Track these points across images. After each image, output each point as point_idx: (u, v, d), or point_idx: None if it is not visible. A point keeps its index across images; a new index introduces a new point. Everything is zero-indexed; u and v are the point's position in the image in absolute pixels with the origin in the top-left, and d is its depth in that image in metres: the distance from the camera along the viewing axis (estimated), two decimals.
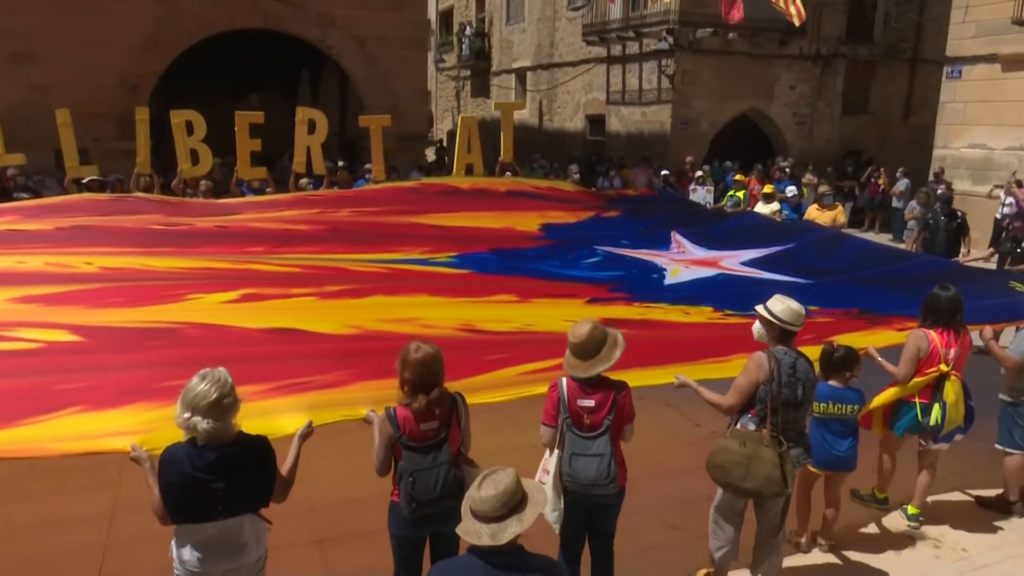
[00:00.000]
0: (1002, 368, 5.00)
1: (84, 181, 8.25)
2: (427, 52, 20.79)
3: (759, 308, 3.90)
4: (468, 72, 28.41)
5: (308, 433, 3.32)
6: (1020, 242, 8.25)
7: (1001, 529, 4.89)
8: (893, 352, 4.73)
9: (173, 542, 3.00)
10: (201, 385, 2.83)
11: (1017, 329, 5.25)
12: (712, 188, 14.82)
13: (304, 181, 9.18)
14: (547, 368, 4.05)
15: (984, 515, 5.05)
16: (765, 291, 4.46)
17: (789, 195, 11.88)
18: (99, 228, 5.72)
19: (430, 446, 3.26)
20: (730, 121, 19.49)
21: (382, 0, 16.67)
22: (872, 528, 4.90)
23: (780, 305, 3.82)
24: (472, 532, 2.45)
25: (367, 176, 9.91)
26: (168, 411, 3.04)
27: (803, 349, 4.03)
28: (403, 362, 3.27)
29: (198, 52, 15.47)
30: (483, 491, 2.46)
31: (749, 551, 4.10)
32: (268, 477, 3.02)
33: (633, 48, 19.52)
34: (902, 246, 12.86)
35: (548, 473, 3.63)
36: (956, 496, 5.32)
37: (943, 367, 4.54)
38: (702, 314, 5.25)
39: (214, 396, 2.81)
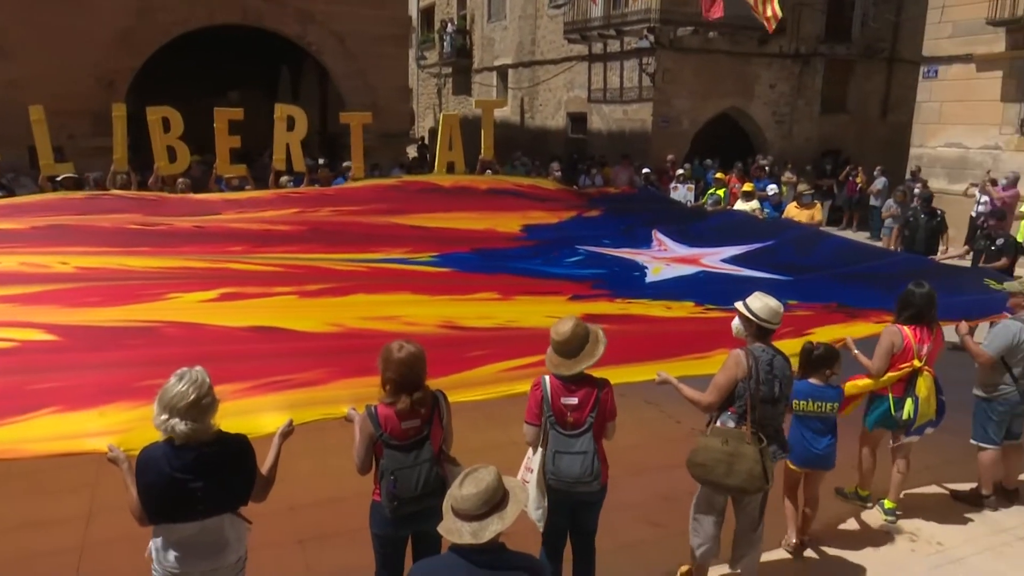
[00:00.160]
0: (976, 364, 5.07)
1: (59, 179, 8.13)
2: (408, 49, 20.67)
3: (738, 305, 3.94)
4: (449, 69, 28.33)
5: (289, 432, 3.30)
6: (994, 240, 8.38)
7: (975, 523, 4.97)
8: (870, 343, 4.80)
9: (151, 542, 2.97)
10: (178, 386, 2.80)
11: (991, 325, 5.33)
12: (693, 186, 14.93)
13: (284, 179, 9.11)
14: (529, 364, 4.06)
15: (959, 509, 5.13)
16: (746, 288, 4.51)
17: (770, 193, 11.99)
18: (75, 227, 5.64)
19: (412, 444, 3.25)
20: (711, 119, 19.60)
21: None
22: (850, 523, 4.95)
23: (759, 302, 3.86)
24: (453, 530, 2.45)
25: (347, 174, 9.86)
26: (146, 411, 3.01)
27: (782, 342, 4.08)
28: (386, 361, 3.26)
29: (176, 48, 15.29)
30: (464, 489, 2.46)
31: (729, 547, 4.13)
32: (248, 476, 3.00)
33: (614, 46, 19.58)
34: (879, 244, 13.03)
35: (532, 472, 3.63)
36: (932, 490, 5.40)
37: (916, 362, 4.64)
38: (684, 309, 5.29)
39: (192, 397, 2.78)
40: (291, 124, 8.23)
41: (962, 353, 5.20)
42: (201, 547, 2.94)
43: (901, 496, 5.01)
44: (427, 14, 30.74)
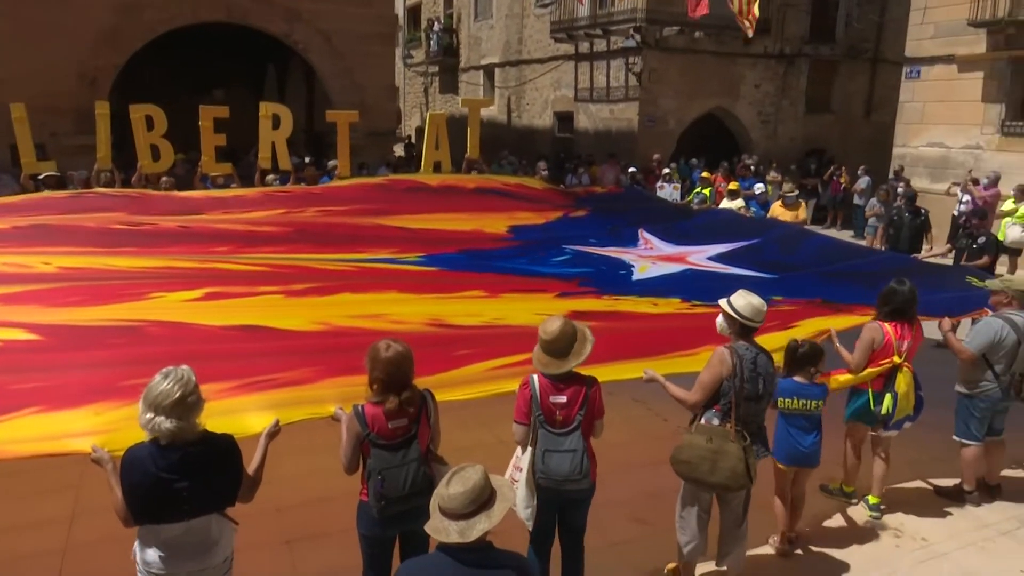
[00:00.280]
0: (958, 360, 5.13)
1: (40, 177, 8.04)
2: (395, 48, 20.62)
3: (722, 302, 3.96)
4: (436, 68, 28.28)
5: (275, 432, 3.28)
6: (976, 238, 8.47)
7: (959, 518, 5.02)
8: (852, 336, 4.86)
9: (136, 543, 2.94)
10: (163, 384, 2.78)
11: (973, 322, 5.39)
12: (679, 185, 15.02)
13: (270, 178, 9.06)
14: (516, 363, 4.06)
15: (942, 505, 5.18)
16: (732, 285, 4.54)
17: (757, 192, 12.07)
18: (58, 227, 5.57)
19: (399, 444, 3.24)
20: (696, 119, 19.70)
21: None
22: (835, 520, 4.99)
23: (742, 300, 3.88)
24: (441, 529, 2.45)
25: (332, 173, 9.82)
26: (130, 411, 2.98)
27: (768, 336, 4.12)
28: (373, 361, 3.24)
29: (161, 46, 15.17)
30: (452, 488, 2.45)
31: (715, 543, 4.15)
32: (234, 476, 2.98)
33: (601, 45, 19.62)
34: (863, 242, 13.14)
35: (521, 471, 3.63)
36: (916, 486, 5.45)
37: (896, 358, 4.69)
38: (670, 305, 5.31)
39: (177, 395, 2.76)
40: (276, 122, 8.18)
41: (945, 350, 5.25)
42: (187, 547, 2.92)
43: (884, 491, 5.05)
44: (414, 13, 30.67)
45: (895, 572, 4.40)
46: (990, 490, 5.29)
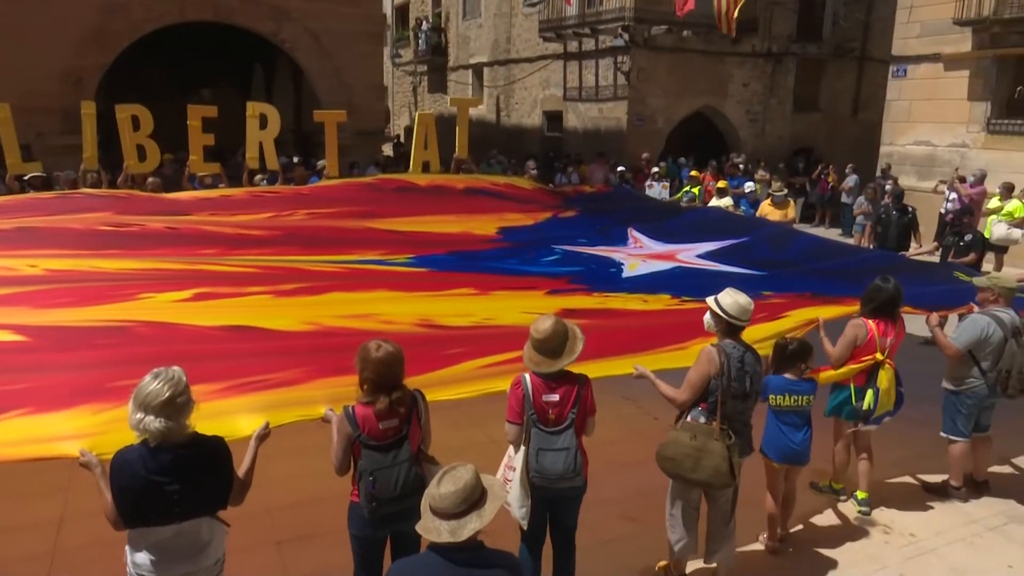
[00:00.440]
0: (945, 356, 5.17)
1: (26, 178, 7.96)
2: (383, 47, 20.56)
3: (710, 300, 3.98)
4: (425, 67, 28.24)
5: (265, 435, 3.26)
6: (963, 236, 8.53)
7: (947, 514, 5.06)
8: (841, 326, 4.92)
9: (127, 547, 2.92)
10: (153, 384, 2.76)
11: (960, 318, 5.43)
12: (668, 184, 15.04)
13: (258, 178, 9.01)
14: (506, 361, 4.06)
15: (931, 501, 5.21)
16: (721, 281, 4.57)
17: (747, 191, 12.12)
18: (44, 229, 5.52)
19: (390, 444, 3.23)
20: (685, 118, 19.76)
21: None
22: (825, 516, 5.02)
23: (729, 299, 3.90)
24: (432, 529, 2.44)
25: (321, 173, 9.78)
26: (119, 412, 2.96)
27: (757, 326, 4.16)
28: (363, 361, 3.24)
29: (147, 46, 15.06)
30: (443, 488, 2.45)
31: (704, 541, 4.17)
32: (225, 479, 2.97)
33: (589, 45, 19.65)
34: (851, 241, 13.22)
35: (514, 470, 3.62)
36: (905, 482, 5.48)
37: (879, 355, 4.74)
38: (660, 301, 5.33)
39: (167, 395, 2.74)
40: (264, 122, 8.14)
41: (932, 347, 5.29)
42: (178, 550, 2.90)
43: (870, 485, 5.08)
44: (402, 12, 30.61)
45: (884, 568, 4.43)
46: (978, 486, 5.33)
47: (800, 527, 4.81)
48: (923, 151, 15.50)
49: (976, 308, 5.22)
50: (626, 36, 18.10)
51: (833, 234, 14.94)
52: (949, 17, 14.28)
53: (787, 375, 4.46)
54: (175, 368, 2.85)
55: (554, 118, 22.00)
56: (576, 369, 3.66)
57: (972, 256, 8.30)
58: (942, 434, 5.24)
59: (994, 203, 11.65)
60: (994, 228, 11.16)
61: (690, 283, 5.63)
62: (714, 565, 4.18)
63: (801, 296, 5.39)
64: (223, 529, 3.05)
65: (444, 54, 27.00)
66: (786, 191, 11.14)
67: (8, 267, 4.78)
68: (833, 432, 5.10)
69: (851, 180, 16.07)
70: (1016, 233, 11.15)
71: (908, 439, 5.76)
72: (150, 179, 8.22)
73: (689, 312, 4.90)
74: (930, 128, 15.31)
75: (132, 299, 4.48)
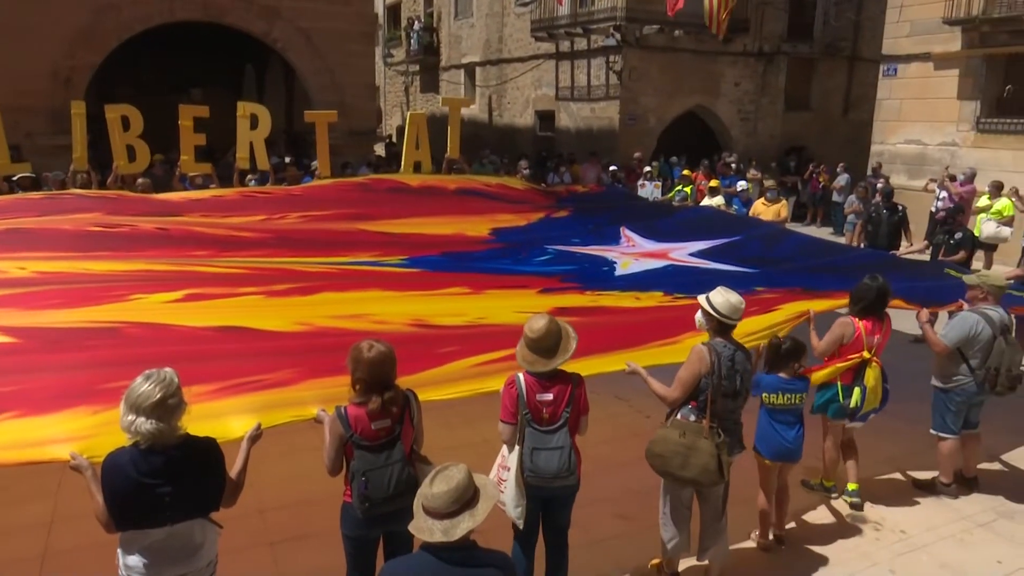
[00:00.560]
0: (933, 353, 5.20)
1: (15, 178, 7.91)
2: (375, 46, 20.54)
3: (701, 298, 4.00)
4: (417, 67, 28.20)
5: (257, 436, 3.26)
6: (953, 234, 8.57)
7: (937, 510, 5.09)
8: (832, 319, 4.96)
9: (119, 549, 2.90)
10: (145, 385, 2.75)
11: (950, 315, 5.46)
12: (660, 184, 15.08)
13: (248, 178, 8.99)
14: (499, 359, 4.06)
15: (921, 497, 5.24)
16: (714, 279, 4.59)
17: (739, 189, 12.17)
18: (34, 231, 5.48)
19: (382, 445, 3.23)
20: (677, 117, 19.80)
21: None
22: (816, 514, 5.04)
23: (720, 298, 3.91)
24: (424, 529, 2.44)
25: (314, 173, 9.76)
26: (109, 415, 2.95)
27: (750, 319, 4.18)
28: (356, 361, 3.23)
29: (138, 45, 15.00)
30: (435, 487, 2.45)
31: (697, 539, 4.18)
32: (217, 480, 2.96)
33: (581, 44, 19.66)
34: (842, 240, 13.27)
35: (508, 470, 3.62)
36: (895, 479, 5.51)
37: (866, 353, 4.78)
38: (653, 298, 5.35)
39: (158, 396, 2.73)
40: (254, 122, 8.11)
41: (922, 345, 5.33)
42: (170, 552, 2.89)
43: (871, 486, 5.11)
44: (394, 11, 30.54)
45: (875, 565, 4.45)
46: (967, 483, 5.36)
47: (792, 524, 4.83)
48: (913, 150, 15.58)
49: (966, 305, 5.26)
50: (618, 36, 18.13)
51: (825, 233, 15.02)
52: (938, 16, 14.36)
53: (781, 374, 4.48)
54: (167, 369, 2.84)
55: (546, 118, 22.01)
56: (569, 366, 3.67)
57: (962, 254, 8.34)
58: (932, 431, 5.27)
59: (983, 201, 11.73)
60: (983, 226, 11.23)
61: (682, 280, 5.65)
62: (706, 563, 4.19)
63: (792, 291, 5.42)
64: (216, 531, 3.04)
65: (436, 54, 26.98)
66: (778, 189, 11.18)
67: None
68: (822, 430, 5.12)
69: (842, 179, 16.14)
70: (1005, 231, 11.24)
71: (899, 436, 5.80)
72: (139, 180, 8.18)
73: (681, 308, 4.91)
74: (920, 127, 15.39)
75: (123, 300, 4.46)
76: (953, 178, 13.12)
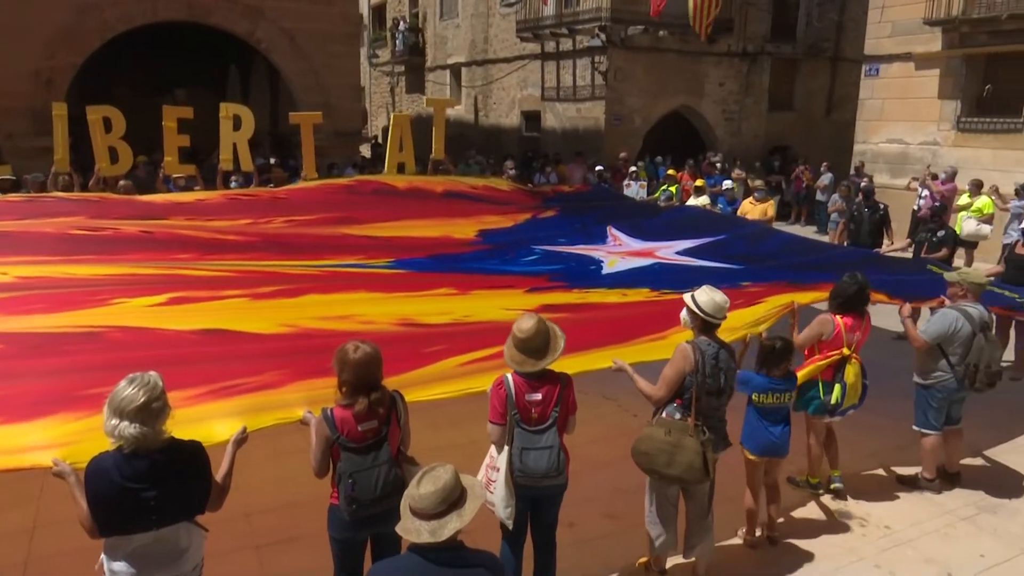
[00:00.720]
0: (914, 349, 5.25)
1: None
2: (359, 47, 20.46)
3: (686, 297, 4.02)
4: (402, 68, 28.13)
5: (243, 440, 3.24)
6: (935, 232, 8.65)
7: (921, 506, 5.14)
8: (816, 312, 5.01)
9: (103, 555, 2.88)
10: (128, 389, 2.73)
11: (932, 311, 5.52)
12: (645, 183, 15.11)
13: (233, 180, 8.93)
14: (486, 357, 4.06)
15: (904, 493, 5.29)
16: (700, 276, 4.60)
17: (724, 189, 12.23)
18: (15, 234, 5.42)
19: (369, 446, 3.22)
20: (662, 117, 19.87)
21: None
22: (802, 510, 5.08)
23: (705, 296, 3.94)
24: (412, 530, 2.44)
25: (300, 174, 9.72)
26: (92, 421, 2.92)
27: (735, 312, 4.19)
28: (341, 363, 3.22)
29: (121, 46, 14.86)
30: (422, 488, 2.45)
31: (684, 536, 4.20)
32: (203, 484, 2.94)
33: (567, 45, 19.69)
34: (826, 238, 13.37)
35: (497, 471, 3.62)
36: (879, 475, 5.56)
37: (845, 350, 4.84)
38: (640, 294, 5.38)
39: (141, 400, 2.71)
40: (237, 123, 8.06)
41: (906, 342, 5.37)
42: (156, 557, 2.87)
43: (857, 482, 5.16)
44: (379, 12, 30.46)
45: (861, 560, 4.49)
46: (950, 478, 5.42)
47: (779, 520, 4.86)
48: (896, 149, 15.72)
49: (947, 302, 5.32)
50: (603, 36, 18.17)
51: (809, 231, 15.14)
52: (919, 17, 14.49)
53: (770, 374, 4.51)
54: (151, 373, 2.82)
55: (532, 118, 22.02)
56: (556, 363, 3.67)
57: (944, 251, 8.43)
58: (914, 427, 5.33)
59: (964, 200, 11.85)
60: (964, 224, 11.34)
61: (669, 277, 5.69)
62: (693, 560, 4.21)
63: (778, 284, 5.46)
64: (201, 534, 3.02)
65: (421, 54, 26.92)
66: (766, 189, 11.24)
67: None
68: (806, 427, 5.16)
69: (826, 178, 16.26)
70: (985, 229, 11.36)
71: (882, 432, 5.85)
72: (121, 182, 8.11)
73: (667, 303, 4.93)
74: (902, 126, 15.53)
75: (105, 304, 4.41)
76: (935, 177, 13.25)
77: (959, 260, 10.11)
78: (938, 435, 5.26)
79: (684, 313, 4.06)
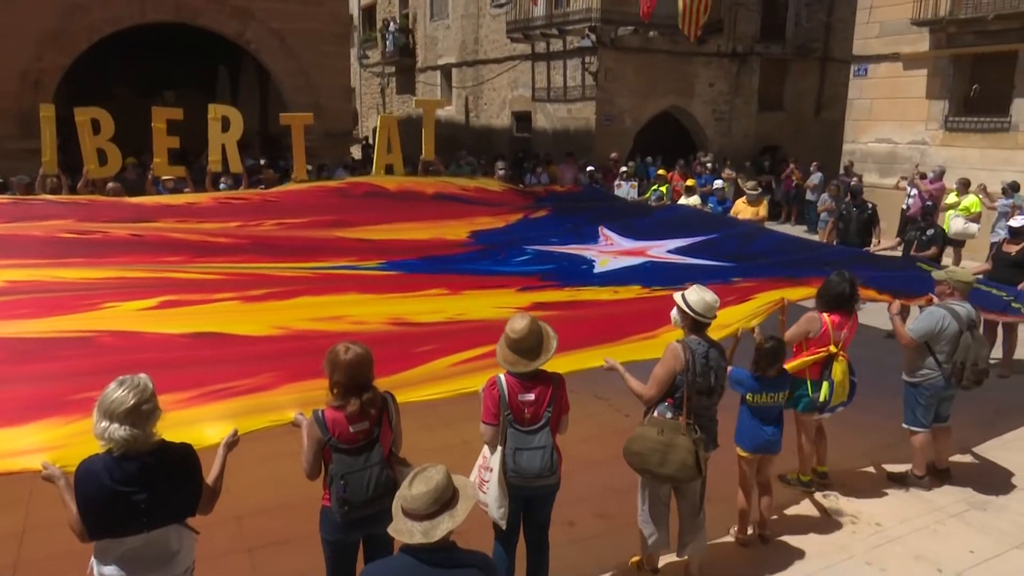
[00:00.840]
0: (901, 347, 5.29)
1: None
2: (350, 48, 20.42)
3: (676, 296, 4.03)
4: (393, 69, 28.09)
5: (234, 442, 3.23)
6: (924, 231, 8.71)
7: (911, 503, 5.17)
8: (805, 309, 5.03)
9: (93, 559, 2.86)
10: (118, 391, 2.71)
11: (921, 309, 5.56)
12: (636, 184, 15.15)
13: (222, 181, 8.90)
14: (479, 356, 4.06)
15: (895, 490, 5.32)
16: (691, 274, 4.61)
17: (715, 188, 12.27)
18: (3, 237, 5.38)
19: (361, 447, 3.21)
20: (652, 118, 19.92)
21: None
22: (793, 508, 5.10)
23: (695, 296, 3.95)
24: (404, 531, 2.44)
25: (292, 176, 9.69)
26: (82, 425, 2.90)
27: (727, 309, 4.22)
28: (332, 364, 3.22)
29: (109, 47, 14.78)
30: (414, 489, 2.45)
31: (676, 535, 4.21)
32: (193, 487, 2.92)
33: (557, 45, 19.72)
34: (815, 237, 13.43)
35: (490, 471, 3.62)
36: (870, 473, 5.59)
37: (833, 348, 4.87)
38: (631, 292, 5.40)
39: (131, 402, 2.69)
40: (226, 124, 8.03)
41: (896, 340, 5.40)
42: (147, 560, 2.85)
43: (847, 479, 5.19)
44: (369, 12, 30.40)
45: (852, 557, 4.51)
46: (940, 475, 5.46)
47: (772, 518, 4.88)
48: (884, 148, 15.81)
49: (935, 300, 5.36)
50: (593, 37, 18.21)
51: (799, 231, 15.20)
52: (907, 18, 14.59)
53: (764, 374, 4.52)
54: (141, 375, 2.81)
55: (523, 119, 22.04)
56: (548, 362, 3.67)
57: (933, 250, 8.49)
58: (904, 425, 5.36)
59: (951, 199, 11.93)
60: (952, 223, 11.41)
61: (660, 275, 5.71)
62: (686, 558, 4.23)
63: (769, 280, 5.48)
64: (192, 537, 3.01)
65: (412, 55, 26.89)
66: (760, 190, 11.30)
67: None
68: (796, 425, 5.19)
69: (815, 178, 16.34)
70: (972, 227, 11.44)
71: (873, 430, 5.89)
72: (110, 184, 8.07)
73: (658, 300, 4.94)
74: (891, 126, 15.63)
75: (96, 308, 4.39)
76: (923, 176, 13.33)
77: (947, 259, 10.17)
78: (927, 432, 5.30)
79: (675, 312, 4.08)
